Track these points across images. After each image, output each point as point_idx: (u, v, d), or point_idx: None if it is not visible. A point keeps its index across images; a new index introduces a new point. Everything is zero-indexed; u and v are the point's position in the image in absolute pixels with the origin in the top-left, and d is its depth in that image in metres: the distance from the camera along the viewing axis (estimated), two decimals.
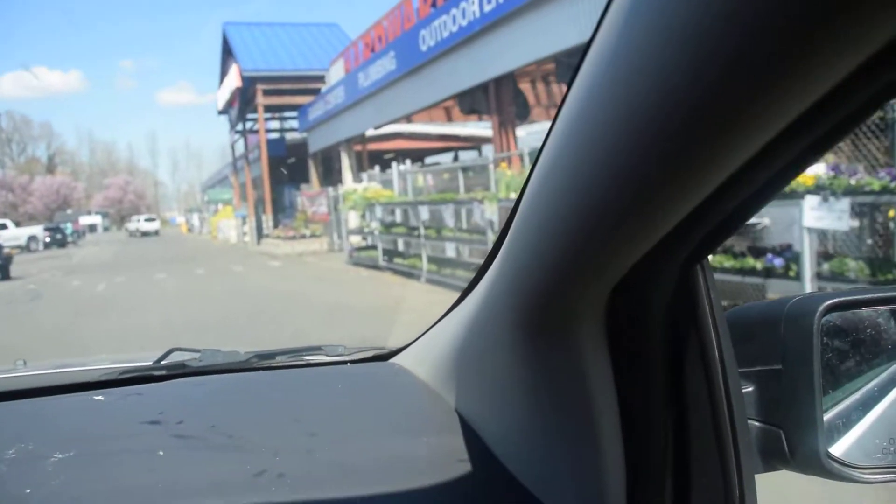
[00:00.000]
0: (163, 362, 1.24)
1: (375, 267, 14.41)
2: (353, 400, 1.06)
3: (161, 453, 0.84)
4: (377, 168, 17.58)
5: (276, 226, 25.17)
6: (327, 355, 1.28)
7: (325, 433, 0.91)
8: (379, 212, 13.96)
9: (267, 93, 25.37)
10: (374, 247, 14.83)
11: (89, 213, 72.00)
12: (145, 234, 55.82)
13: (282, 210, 27.99)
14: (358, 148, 25.74)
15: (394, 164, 14.96)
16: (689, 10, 0.34)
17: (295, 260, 18.89)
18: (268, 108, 26.35)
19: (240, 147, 34.98)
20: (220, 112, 33.60)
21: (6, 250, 20.83)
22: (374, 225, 14.03)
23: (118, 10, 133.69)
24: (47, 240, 41.26)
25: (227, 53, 28.82)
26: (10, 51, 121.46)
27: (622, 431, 0.64)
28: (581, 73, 0.49)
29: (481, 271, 0.85)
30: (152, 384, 1.13)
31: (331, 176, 25.63)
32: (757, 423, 0.67)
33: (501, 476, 0.77)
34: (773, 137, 0.39)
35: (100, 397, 1.07)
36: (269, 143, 28.02)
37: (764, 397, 0.67)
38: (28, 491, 0.75)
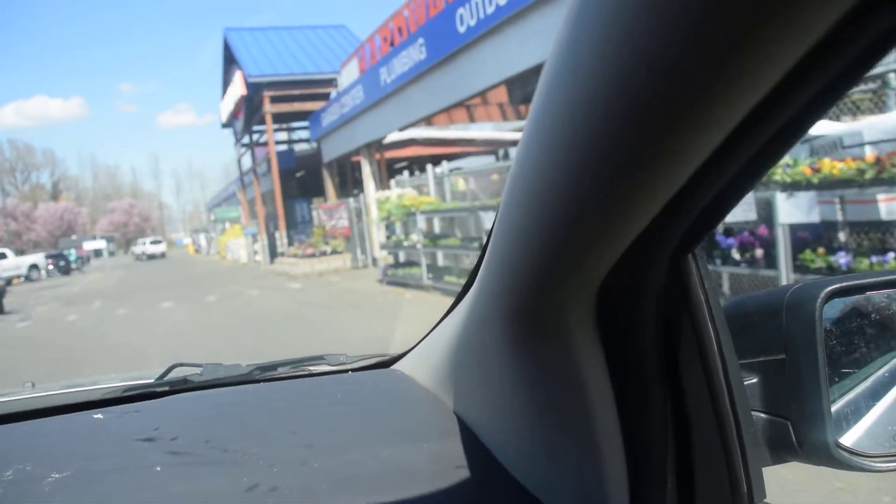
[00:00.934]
0: (166, 378, 1.26)
1: (419, 286, 12.32)
2: (352, 408, 1.06)
3: (158, 469, 0.85)
4: (391, 177, 15.68)
5: (290, 243, 23.24)
6: (329, 364, 1.29)
7: (321, 444, 0.91)
8: (422, 222, 11.92)
9: (274, 100, 23.43)
10: (413, 263, 12.89)
11: (94, 237, 70.91)
12: (151, 256, 54.58)
13: (293, 226, 26.07)
14: (358, 159, 23.88)
15: (428, 167, 13.04)
16: None
17: (317, 280, 16.92)
18: (275, 118, 24.37)
19: (246, 162, 33.16)
20: (224, 125, 31.72)
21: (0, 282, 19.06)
22: (416, 238, 12.00)
23: (115, 34, 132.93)
24: (50, 267, 39.93)
25: (230, 61, 26.94)
26: (9, 81, 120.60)
27: (621, 428, 0.63)
28: (546, 67, 0.48)
29: (473, 274, 0.84)
30: (151, 401, 1.15)
31: (347, 187, 23.69)
32: (763, 415, 0.66)
33: (502, 479, 0.77)
34: (738, 125, 0.39)
35: (99, 416, 1.08)
36: (278, 155, 26.11)
37: (769, 388, 0.66)
38: None
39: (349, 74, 20.38)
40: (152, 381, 1.24)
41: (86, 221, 79.10)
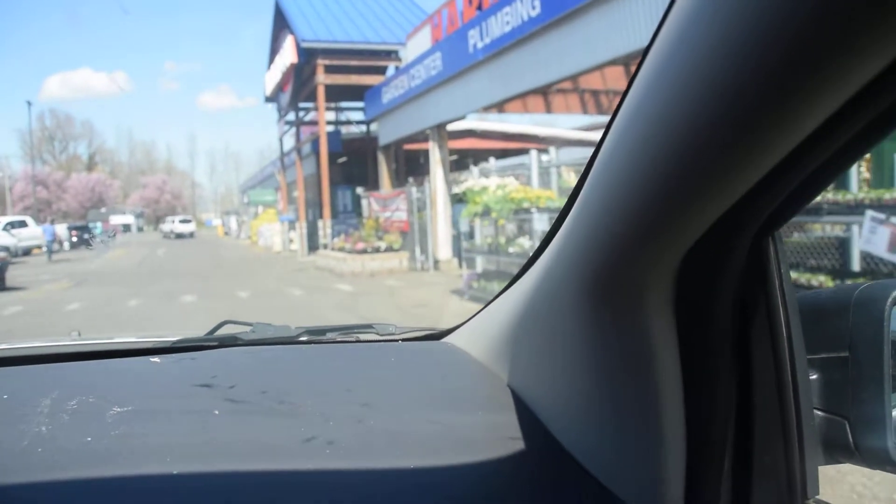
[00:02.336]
0: (216, 333, 1.27)
1: None
2: (405, 374, 1.06)
3: (216, 413, 0.86)
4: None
5: (334, 234, 20.41)
6: (378, 334, 1.28)
7: (376, 404, 0.91)
8: (542, 222, 8.83)
9: (329, 70, 20.56)
10: (508, 274, 9.75)
11: (123, 212, 68.88)
12: (179, 235, 52.14)
13: (334, 215, 23.27)
14: (411, 147, 21.05)
15: (532, 152, 10.11)
16: None
17: (370, 283, 14.01)
18: (325, 95, 21.47)
19: (287, 143, 30.46)
20: (268, 99, 28.94)
21: (1, 255, 16.44)
22: (525, 243, 8.98)
23: (163, 11, 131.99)
24: (74, 239, 37.61)
25: (280, 26, 24.10)
26: (56, 52, 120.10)
27: (685, 410, 0.62)
28: (656, 43, 0.49)
29: (540, 249, 0.83)
30: (206, 351, 1.17)
31: (399, 175, 20.77)
32: (821, 413, 0.65)
33: (559, 454, 0.75)
34: (840, 106, 0.40)
35: (156, 359, 1.11)
36: (318, 141, 23.31)
37: (829, 386, 0.64)
38: (88, 439, 0.78)
39: (416, 47, 17.48)
40: (203, 335, 1.26)
41: (117, 195, 77.95)
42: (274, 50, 25.83)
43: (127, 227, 62.97)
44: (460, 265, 15.55)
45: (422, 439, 0.80)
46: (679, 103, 0.46)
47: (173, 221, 55.86)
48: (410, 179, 22.45)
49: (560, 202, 9.31)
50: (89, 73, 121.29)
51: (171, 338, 1.23)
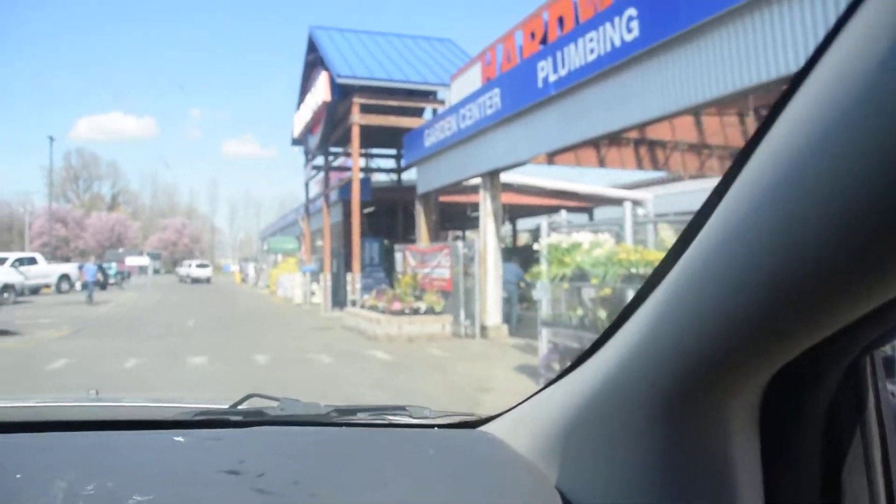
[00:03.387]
0: (240, 407, 1.22)
1: None
2: (442, 467, 1.01)
3: None
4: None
5: (363, 289, 18.41)
6: (412, 417, 1.23)
7: (416, 502, 0.88)
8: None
9: (364, 109, 18.90)
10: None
11: (140, 253, 67.72)
12: (196, 280, 50.72)
13: (360, 268, 21.36)
14: (447, 199, 19.26)
15: (626, 204, 8.17)
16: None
17: (408, 350, 11.92)
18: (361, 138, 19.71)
19: (313, 189, 28.81)
20: (295, 142, 27.35)
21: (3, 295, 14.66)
22: None
23: (192, 63, 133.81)
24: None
25: (313, 64, 22.56)
26: (88, 96, 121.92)
27: None
28: (768, 142, 0.47)
29: (603, 339, 0.79)
30: (230, 429, 1.12)
31: (433, 229, 18.86)
32: None
33: None
34: None
35: (179, 438, 1.06)
36: (347, 188, 21.57)
37: None
38: None
39: (462, 88, 15.79)
40: (226, 407, 1.21)
41: (136, 235, 77.50)
42: (304, 89, 24.31)
43: (143, 269, 61.63)
44: (510, 333, 13.50)
45: None
46: (791, 225, 0.44)
47: (190, 265, 54.74)
48: (459, 234, 20.64)
49: None
50: (119, 116, 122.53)
51: (193, 403, 1.21)
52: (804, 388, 0.55)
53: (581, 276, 7.23)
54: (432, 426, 1.21)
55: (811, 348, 0.50)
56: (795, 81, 0.45)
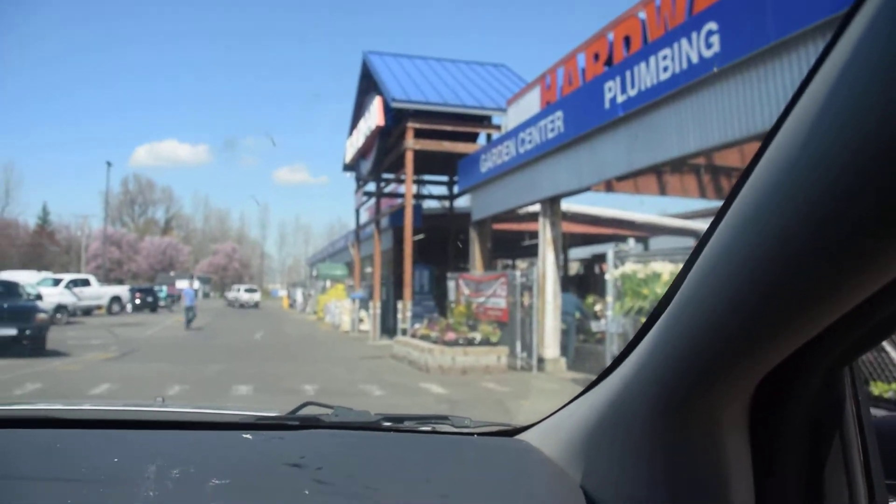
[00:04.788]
0: (297, 413, 1.32)
1: None
2: (481, 470, 1.09)
3: (306, 493, 0.92)
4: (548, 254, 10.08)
5: (414, 318, 17.88)
6: (454, 426, 1.31)
7: (455, 496, 0.96)
8: None
9: (419, 134, 18.54)
10: None
11: (191, 277, 68.61)
12: (244, 305, 50.68)
13: (411, 296, 20.86)
14: (500, 227, 18.65)
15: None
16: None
17: (463, 383, 11.27)
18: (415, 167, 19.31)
19: (362, 216, 28.54)
20: (347, 167, 27.17)
21: (41, 315, 14.48)
22: None
23: (247, 92, 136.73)
24: (137, 301, 36.39)
25: (366, 90, 22.35)
26: (148, 125, 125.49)
27: None
28: (758, 169, 0.50)
29: (623, 355, 0.84)
30: (292, 431, 1.23)
31: (486, 257, 18.26)
32: None
33: None
34: None
35: (248, 436, 1.17)
36: (398, 214, 21.17)
37: None
38: None
39: (520, 112, 15.30)
40: (285, 414, 1.32)
41: (187, 259, 78.44)
42: (357, 115, 24.15)
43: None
44: (568, 366, 12.79)
45: None
46: (774, 233, 0.48)
47: (238, 290, 54.89)
48: (509, 262, 20.01)
49: None
50: (175, 143, 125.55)
51: (250, 412, 1.30)
52: (788, 396, 0.59)
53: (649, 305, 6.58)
54: (472, 434, 1.29)
55: (792, 357, 0.54)
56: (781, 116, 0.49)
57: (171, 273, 65.48)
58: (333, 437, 1.22)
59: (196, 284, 62.80)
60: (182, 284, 60.12)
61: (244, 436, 1.17)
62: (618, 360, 0.86)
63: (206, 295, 69.40)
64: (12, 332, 13.67)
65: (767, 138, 0.50)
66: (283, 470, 1.01)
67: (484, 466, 1.11)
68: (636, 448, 0.76)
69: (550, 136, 12.48)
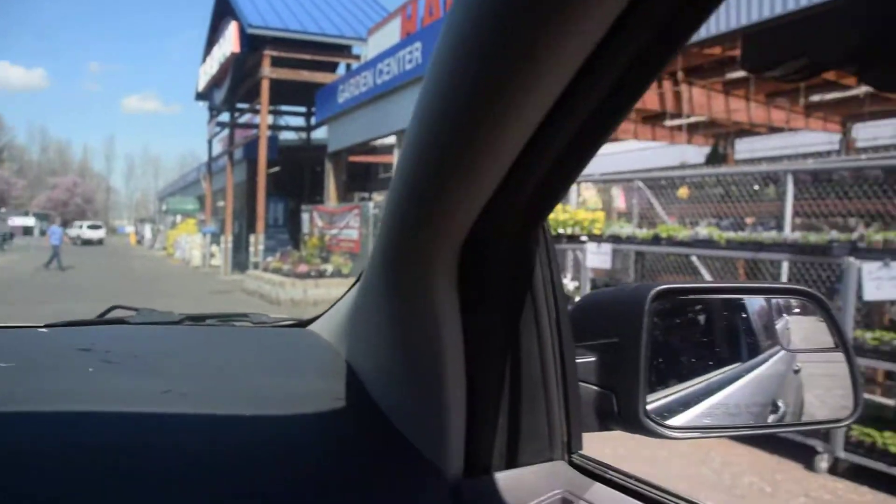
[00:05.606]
0: (105, 316, 1.43)
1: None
2: (263, 351, 1.23)
3: (90, 370, 0.98)
4: None
5: (266, 251, 17.45)
6: (252, 321, 1.46)
7: (231, 370, 1.07)
8: (596, 253, 6.21)
9: (276, 62, 17.79)
10: None
11: (26, 213, 63.41)
12: (87, 242, 47.82)
13: (264, 229, 20.32)
14: (356, 159, 18.48)
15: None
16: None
17: (314, 314, 11.17)
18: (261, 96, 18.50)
19: (216, 148, 27.30)
20: (200, 96, 25.77)
21: None
22: (569, 284, 6.34)
23: (90, 11, 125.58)
24: None
25: (221, 14, 21.07)
26: None
27: (466, 379, 0.70)
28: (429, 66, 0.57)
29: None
30: (91, 326, 1.35)
31: (341, 190, 18.02)
32: (594, 388, 0.75)
33: (372, 411, 0.85)
34: (555, 100, 0.49)
35: (43, 329, 1.25)
36: (252, 145, 20.42)
37: (603, 366, 0.76)
38: None
39: (380, 43, 15.02)
40: (93, 318, 1.41)
41: (21, 195, 72.07)
42: (211, 41, 22.84)
43: (29, 230, 57.79)
44: None
45: (261, 396, 0.92)
46: (431, 104, 0.55)
47: (80, 226, 51.40)
48: (366, 195, 19.80)
49: (618, 225, 6.95)
50: (6, 66, 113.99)
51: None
52: (486, 253, 0.66)
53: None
54: (268, 326, 1.43)
55: (484, 219, 0.61)
56: None
57: (3, 209, 60.19)
58: (132, 330, 1.32)
59: (32, 221, 58.39)
60: (16, 221, 55.65)
61: (40, 329, 1.24)
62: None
63: (42, 232, 64.68)
64: None
65: None
66: (72, 353, 1.08)
67: (265, 348, 1.25)
68: (373, 317, 0.89)
69: (408, 67, 12.33)
